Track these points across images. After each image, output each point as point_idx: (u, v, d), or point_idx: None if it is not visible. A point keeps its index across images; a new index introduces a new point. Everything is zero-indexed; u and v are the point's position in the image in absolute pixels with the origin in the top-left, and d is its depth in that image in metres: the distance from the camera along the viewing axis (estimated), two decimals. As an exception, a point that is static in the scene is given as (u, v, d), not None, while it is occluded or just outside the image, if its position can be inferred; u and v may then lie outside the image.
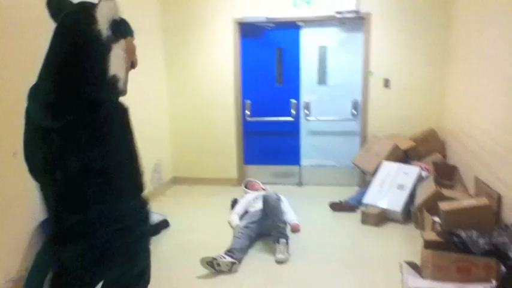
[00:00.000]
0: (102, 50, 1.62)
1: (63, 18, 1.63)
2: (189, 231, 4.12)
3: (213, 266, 3.21)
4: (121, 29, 1.72)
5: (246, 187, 4.89)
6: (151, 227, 1.99)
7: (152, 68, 5.18)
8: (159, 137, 5.40)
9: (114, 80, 1.67)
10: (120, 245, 1.85)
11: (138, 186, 1.88)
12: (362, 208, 4.38)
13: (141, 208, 1.93)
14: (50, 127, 1.59)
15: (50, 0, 1.71)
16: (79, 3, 1.68)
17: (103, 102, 1.64)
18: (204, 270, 3.22)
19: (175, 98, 5.60)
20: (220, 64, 5.44)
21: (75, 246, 1.80)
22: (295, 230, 4.03)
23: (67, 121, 1.57)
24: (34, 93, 1.63)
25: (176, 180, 5.74)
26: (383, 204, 4.27)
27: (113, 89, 1.69)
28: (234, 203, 4.48)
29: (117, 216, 1.81)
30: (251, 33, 5.42)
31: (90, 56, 1.60)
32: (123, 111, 1.71)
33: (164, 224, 4.13)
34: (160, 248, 3.72)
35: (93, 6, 1.56)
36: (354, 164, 5.19)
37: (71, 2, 1.71)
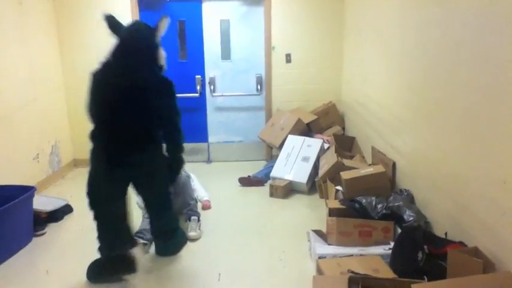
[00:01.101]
0: (156, 47, 2.77)
1: (137, 28, 2.84)
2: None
3: None
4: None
5: None
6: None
7: (42, 42, 4.71)
8: (55, 117, 4.98)
9: (162, 67, 2.80)
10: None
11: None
12: (270, 181, 4.49)
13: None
14: (126, 85, 2.62)
15: (107, 18, 2.77)
16: (137, 23, 3.09)
17: (161, 76, 2.80)
18: (112, 256, 3.09)
19: (71, 75, 5.16)
20: (118, 38, 5.12)
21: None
22: (205, 207, 4.02)
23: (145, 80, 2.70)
24: (113, 65, 2.70)
25: (77, 163, 5.37)
26: (289, 176, 4.42)
27: (161, 71, 2.80)
28: None
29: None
30: (150, 6, 5.16)
31: (152, 49, 2.75)
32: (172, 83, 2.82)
33: (67, 209, 3.90)
34: (64, 234, 3.53)
35: (158, 21, 2.78)
36: (260, 138, 5.28)
37: (120, 22, 2.82)
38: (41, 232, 3.51)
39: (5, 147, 3.89)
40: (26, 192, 3.27)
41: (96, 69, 2.72)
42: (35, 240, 3.41)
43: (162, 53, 2.78)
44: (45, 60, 4.78)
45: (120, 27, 2.78)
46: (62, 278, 2.90)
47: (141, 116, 2.68)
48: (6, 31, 4.00)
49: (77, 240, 3.41)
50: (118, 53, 2.69)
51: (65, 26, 5.06)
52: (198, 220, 3.58)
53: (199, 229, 3.50)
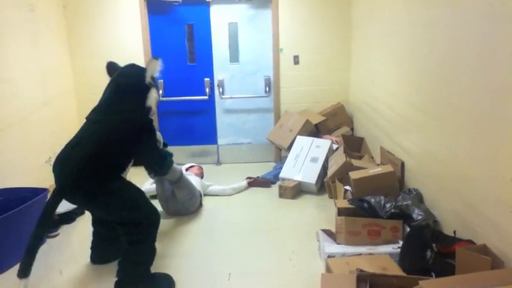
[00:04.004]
0: (144, 89, 2.82)
1: (127, 70, 2.96)
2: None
3: None
4: (155, 81, 2.93)
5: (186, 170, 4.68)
6: None
7: (52, 47, 4.78)
8: (66, 120, 5.03)
9: (149, 109, 2.84)
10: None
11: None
12: (279, 182, 4.51)
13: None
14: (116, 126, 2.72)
15: (108, 65, 3.02)
16: (131, 64, 3.01)
17: (145, 118, 2.86)
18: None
19: (81, 79, 5.25)
20: (128, 42, 5.17)
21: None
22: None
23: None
24: (106, 109, 2.82)
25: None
26: (298, 177, 4.44)
27: (148, 113, 2.86)
28: None
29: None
30: (159, 10, 5.22)
31: (140, 92, 2.82)
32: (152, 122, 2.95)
33: (79, 211, 3.95)
34: (76, 235, 3.60)
35: (147, 63, 2.92)
36: (269, 140, 5.31)
37: (119, 66, 2.98)
38: (54, 233, 3.57)
39: (18, 151, 3.96)
40: (38, 194, 3.33)
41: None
42: (48, 241, 3.47)
43: (153, 95, 2.85)
44: (56, 65, 4.85)
45: (116, 70, 2.97)
46: (75, 277, 2.96)
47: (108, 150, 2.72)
48: (18, 37, 4.07)
49: (89, 241, 3.42)
50: (106, 93, 2.85)
51: (75, 32, 5.14)
52: None
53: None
